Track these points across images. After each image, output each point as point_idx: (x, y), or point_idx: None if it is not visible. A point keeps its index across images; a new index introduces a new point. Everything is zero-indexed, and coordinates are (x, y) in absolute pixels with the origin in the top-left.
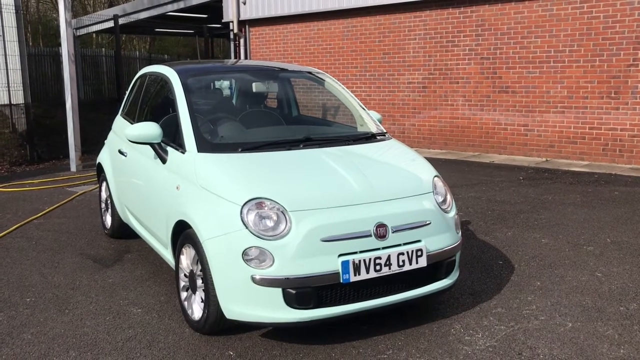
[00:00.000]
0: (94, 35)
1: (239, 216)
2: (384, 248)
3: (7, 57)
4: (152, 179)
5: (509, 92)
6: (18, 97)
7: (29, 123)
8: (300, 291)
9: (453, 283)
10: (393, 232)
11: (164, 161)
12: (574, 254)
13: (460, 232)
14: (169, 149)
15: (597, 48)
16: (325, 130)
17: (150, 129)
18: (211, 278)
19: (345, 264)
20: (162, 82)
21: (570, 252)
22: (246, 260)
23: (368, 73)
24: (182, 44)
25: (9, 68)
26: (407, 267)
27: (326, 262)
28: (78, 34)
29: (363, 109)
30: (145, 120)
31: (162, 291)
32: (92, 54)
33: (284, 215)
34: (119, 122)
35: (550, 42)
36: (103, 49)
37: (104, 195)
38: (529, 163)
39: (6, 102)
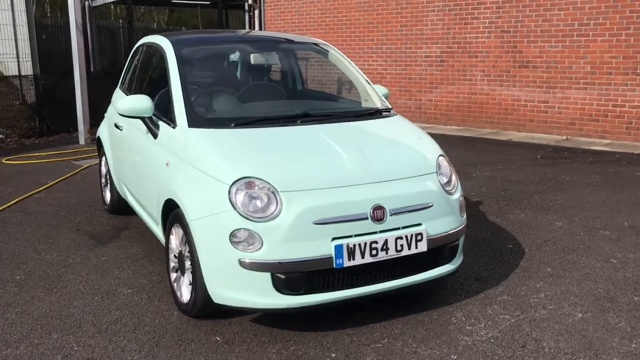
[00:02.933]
0: (112, 6)
1: (227, 196)
2: (381, 232)
3: (17, 27)
4: (144, 155)
5: (529, 67)
6: (27, 69)
7: (38, 95)
8: (290, 276)
9: (456, 269)
10: (391, 215)
11: (155, 136)
12: (588, 239)
13: (465, 215)
14: (160, 123)
15: (624, 21)
16: (327, 106)
17: (141, 102)
18: (198, 260)
19: (338, 248)
20: (158, 53)
21: (585, 237)
22: (234, 243)
23: (385, 46)
24: (201, 15)
25: (18, 38)
26: (405, 252)
27: (318, 246)
28: (94, 4)
29: (368, 83)
30: (142, 93)
31: (156, 270)
32: (108, 25)
33: (275, 196)
34: (117, 94)
35: (574, 15)
36: (120, 20)
37: (103, 169)
38: (548, 141)
39: (15, 73)
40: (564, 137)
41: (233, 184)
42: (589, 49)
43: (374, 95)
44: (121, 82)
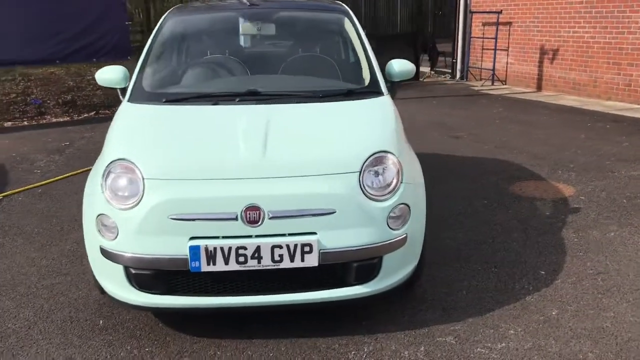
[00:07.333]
0: None
1: (101, 177)
2: (257, 236)
3: None
4: None
5: None
6: None
7: None
8: (140, 273)
9: (372, 293)
10: (270, 218)
11: None
12: None
13: (403, 229)
14: None
15: None
16: (293, 84)
17: (110, 72)
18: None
19: (194, 250)
20: None
21: None
22: (98, 228)
23: (594, 10)
24: None
25: None
26: (286, 264)
27: (173, 245)
28: None
29: (367, 59)
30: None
31: None
32: None
33: (142, 183)
34: None
35: None
36: None
37: None
38: None
39: None
40: None
41: (108, 164)
42: None
43: (367, 73)
44: None
